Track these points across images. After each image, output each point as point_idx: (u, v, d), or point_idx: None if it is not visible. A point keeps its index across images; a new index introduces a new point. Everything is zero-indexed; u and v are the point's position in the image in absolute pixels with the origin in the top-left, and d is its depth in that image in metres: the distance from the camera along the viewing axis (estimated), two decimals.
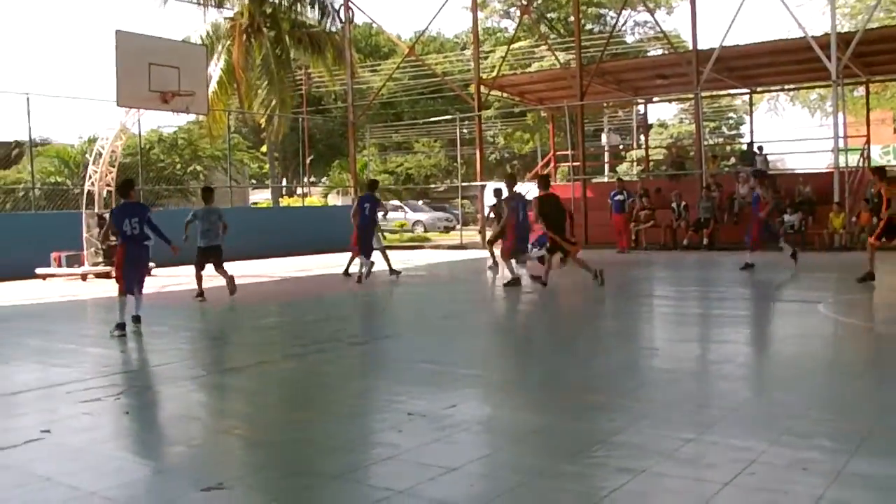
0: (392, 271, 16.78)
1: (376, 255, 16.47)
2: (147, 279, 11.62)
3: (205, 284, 13.93)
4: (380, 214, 16.96)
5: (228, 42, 32.70)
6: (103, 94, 72.46)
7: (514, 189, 15.44)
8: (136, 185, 13.66)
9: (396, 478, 4.54)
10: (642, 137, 41.75)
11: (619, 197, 23.18)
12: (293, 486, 4.61)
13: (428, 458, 4.86)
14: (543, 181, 14.93)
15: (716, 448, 4.96)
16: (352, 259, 17.27)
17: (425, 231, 40.74)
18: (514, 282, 14.61)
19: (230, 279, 13.83)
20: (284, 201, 42.04)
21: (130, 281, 10.64)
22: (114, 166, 19.98)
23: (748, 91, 32.13)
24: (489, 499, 4.25)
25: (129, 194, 11.07)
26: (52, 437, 5.60)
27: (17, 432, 5.73)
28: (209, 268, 13.86)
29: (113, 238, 16.52)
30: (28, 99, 21.03)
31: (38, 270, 19.15)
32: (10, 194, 27.67)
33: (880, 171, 14.25)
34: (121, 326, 10.09)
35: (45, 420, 6.11)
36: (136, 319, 10.62)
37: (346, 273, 17.32)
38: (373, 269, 16.24)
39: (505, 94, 35.47)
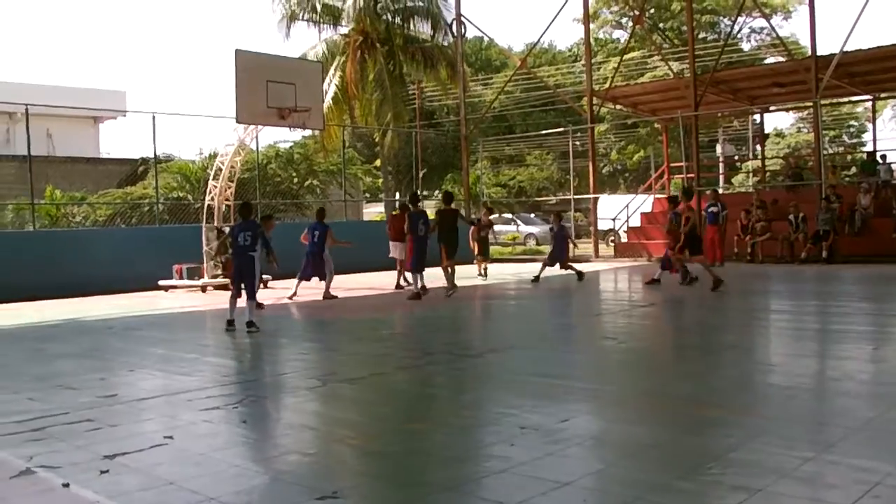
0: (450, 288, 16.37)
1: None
2: (263, 290, 12.00)
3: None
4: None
5: (343, 58, 33.33)
6: (223, 111, 74.78)
7: (418, 205, 16.74)
8: (252, 204, 14.29)
9: (508, 491, 4.54)
10: (758, 148, 40.76)
11: (712, 209, 22.66)
12: (406, 497, 4.66)
13: (540, 472, 4.83)
14: (447, 197, 17.35)
15: (836, 468, 4.80)
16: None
17: (537, 244, 40.55)
18: (416, 296, 15.45)
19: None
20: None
21: (238, 286, 11.91)
22: (233, 181, 20.52)
23: (871, 97, 31.08)
24: None
25: (248, 215, 12.67)
26: (174, 443, 5.80)
27: (143, 437, 5.96)
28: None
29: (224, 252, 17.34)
30: (154, 118, 21.82)
31: (161, 282, 19.80)
32: (136, 209, 28.69)
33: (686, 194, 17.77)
34: (230, 322, 11.70)
35: (168, 426, 6.33)
36: (250, 324, 11.45)
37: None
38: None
39: (617, 106, 35.14)
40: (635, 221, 30.03)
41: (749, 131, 45.58)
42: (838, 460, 4.92)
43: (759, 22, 46.92)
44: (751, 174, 40.64)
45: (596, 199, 29.90)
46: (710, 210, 22.73)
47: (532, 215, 47.22)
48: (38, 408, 7.04)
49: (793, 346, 10.04)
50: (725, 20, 46.64)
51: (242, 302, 11.73)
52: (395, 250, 19.12)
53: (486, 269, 21.18)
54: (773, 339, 10.83)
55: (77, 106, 31.34)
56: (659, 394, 7.24)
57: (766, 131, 45.34)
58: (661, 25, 47.31)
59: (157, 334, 12.58)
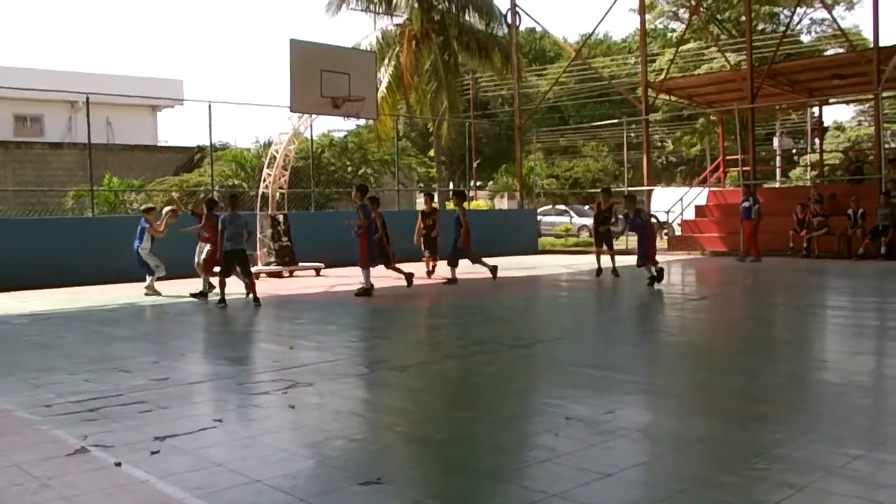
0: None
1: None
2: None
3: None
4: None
5: (398, 48, 33.44)
6: (278, 100, 75.34)
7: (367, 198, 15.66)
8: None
9: (552, 481, 4.54)
10: (816, 141, 40.09)
11: (745, 204, 22.39)
12: (450, 484, 4.69)
13: (584, 463, 4.83)
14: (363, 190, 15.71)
15: (888, 467, 4.73)
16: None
17: (590, 236, 40.28)
18: (365, 291, 14.91)
19: (252, 285, 14.18)
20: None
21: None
22: (287, 170, 20.71)
23: None
24: None
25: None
26: (223, 426, 5.89)
27: (194, 420, 6.06)
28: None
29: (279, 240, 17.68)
30: (210, 107, 22.08)
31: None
32: (192, 196, 29.08)
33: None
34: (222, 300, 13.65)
35: (217, 410, 6.44)
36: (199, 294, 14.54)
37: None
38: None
39: (673, 98, 34.79)
40: (689, 214, 29.74)
41: (807, 124, 44.87)
42: (889, 459, 4.85)
43: (821, 13, 46.09)
44: (808, 168, 39.96)
45: (650, 192, 29.67)
46: (742, 205, 22.50)
47: (586, 207, 46.94)
48: (93, 389, 7.19)
49: (847, 343, 9.87)
50: (785, 11, 45.86)
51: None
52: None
53: (434, 267, 18.91)
54: (827, 336, 10.67)
55: (136, 95, 31.79)
56: (707, 388, 7.18)
57: (824, 124, 44.60)
58: (718, 16, 46.67)
59: (209, 320, 12.77)
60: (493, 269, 17.39)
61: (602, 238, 18.16)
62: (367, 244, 15.13)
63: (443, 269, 17.80)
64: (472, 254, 17.38)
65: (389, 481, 4.64)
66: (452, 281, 16.86)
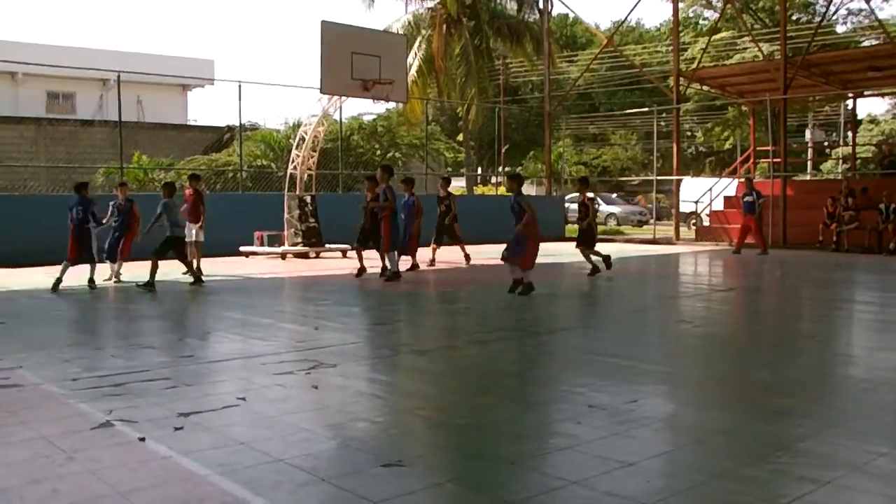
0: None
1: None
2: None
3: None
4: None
5: (429, 32, 33.38)
6: (308, 81, 75.40)
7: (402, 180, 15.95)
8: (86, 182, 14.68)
9: (572, 468, 4.55)
10: (849, 134, 39.66)
11: (747, 198, 22.16)
12: (470, 469, 4.70)
13: (605, 452, 4.83)
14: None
15: None
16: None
17: (618, 224, 40.21)
18: (394, 276, 14.76)
19: (190, 265, 14.10)
20: (478, 190, 42.47)
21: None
22: (316, 151, 20.76)
23: None
24: (665, 496, 4.18)
25: (85, 194, 13.93)
26: (247, 405, 5.93)
27: (217, 398, 6.11)
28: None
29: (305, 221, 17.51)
30: (240, 87, 22.17)
31: (242, 248, 20.18)
32: (221, 175, 29.22)
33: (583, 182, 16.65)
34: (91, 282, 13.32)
35: (241, 388, 6.48)
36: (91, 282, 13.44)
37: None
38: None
39: (704, 87, 34.50)
40: (718, 205, 29.52)
41: (840, 117, 44.38)
42: None
43: (858, 3, 45.51)
44: (840, 161, 39.54)
45: (679, 182, 29.48)
46: (745, 199, 22.29)
47: (614, 195, 46.78)
48: (119, 364, 7.27)
49: (874, 339, 9.79)
50: (821, 1, 45.33)
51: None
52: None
53: (466, 254, 17.88)
54: (854, 331, 10.58)
55: (167, 74, 31.93)
56: (731, 380, 7.15)
57: (858, 117, 44.11)
58: (752, 5, 46.16)
59: (235, 299, 12.84)
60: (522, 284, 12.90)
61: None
62: (391, 227, 14.97)
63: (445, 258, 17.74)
64: (529, 249, 13.03)
65: (410, 464, 4.66)
66: (522, 282, 12.79)
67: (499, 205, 17.67)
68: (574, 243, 16.47)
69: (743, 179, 26.03)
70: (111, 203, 14.96)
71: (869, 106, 75.06)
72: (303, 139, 20.57)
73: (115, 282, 14.43)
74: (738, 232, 22.92)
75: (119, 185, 15.64)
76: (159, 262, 13.37)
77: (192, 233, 15.06)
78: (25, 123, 34.69)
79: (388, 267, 14.88)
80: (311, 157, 20.66)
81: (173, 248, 13.67)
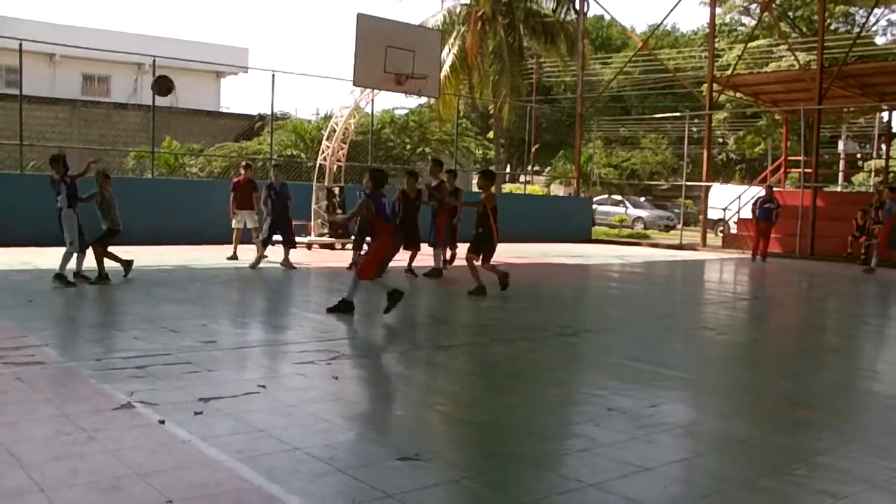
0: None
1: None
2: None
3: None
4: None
5: (463, 28, 33.32)
6: (341, 73, 75.56)
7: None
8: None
9: (589, 471, 4.54)
10: (883, 146, 39.25)
11: (767, 205, 22.08)
12: (486, 466, 4.70)
13: (624, 455, 4.81)
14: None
15: None
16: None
17: (645, 228, 40.03)
18: (435, 272, 14.60)
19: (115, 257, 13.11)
20: (507, 188, 42.42)
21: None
22: (346, 143, 20.82)
23: None
24: (681, 503, 4.17)
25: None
26: (267, 392, 5.96)
27: (238, 384, 6.15)
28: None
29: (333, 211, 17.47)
30: (273, 76, 22.24)
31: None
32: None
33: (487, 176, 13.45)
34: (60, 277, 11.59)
35: (262, 375, 6.52)
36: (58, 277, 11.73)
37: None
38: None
39: (738, 94, 34.27)
40: (746, 213, 29.32)
41: (875, 129, 43.93)
42: None
43: None
44: (872, 174, 39.13)
45: (708, 188, 29.32)
46: (764, 206, 22.18)
47: (642, 199, 46.56)
48: (142, 347, 7.32)
49: None
50: (861, 11, 44.83)
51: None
52: None
53: (453, 256, 16.20)
54: (880, 346, 10.48)
55: (202, 60, 32.09)
56: (753, 389, 7.11)
57: (893, 130, 43.64)
58: (790, 14, 45.78)
59: (260, 287, 12.91)
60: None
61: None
62: (445, 224, 14.83)
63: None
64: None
65: (427, 459, 4.67)
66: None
67: (530, 204, 17.65)
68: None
69: (800, 188, 25.87)
70: (265, 185, 15.53)
71: None
72: (333, 130, 20.64)
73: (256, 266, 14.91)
74: (754, 240, 22.91)
75: (273, 167, 16.18)
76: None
77: (245, 220, 16.06)
78: (61, 104, 34.94)
79: (434, 265, 14.85)
80: (341, 149, 20.72)
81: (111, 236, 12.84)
